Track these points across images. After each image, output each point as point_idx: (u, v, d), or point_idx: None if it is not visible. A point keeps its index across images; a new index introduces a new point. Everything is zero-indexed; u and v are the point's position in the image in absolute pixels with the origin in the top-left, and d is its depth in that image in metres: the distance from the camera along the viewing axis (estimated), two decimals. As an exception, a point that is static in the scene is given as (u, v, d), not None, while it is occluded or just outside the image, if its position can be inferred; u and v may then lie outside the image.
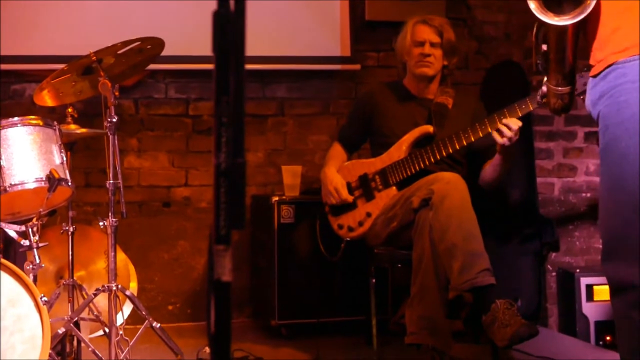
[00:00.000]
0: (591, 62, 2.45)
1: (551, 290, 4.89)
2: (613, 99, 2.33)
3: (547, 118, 5.00)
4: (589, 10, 2.28)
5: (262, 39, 4.85)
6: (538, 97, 2.65)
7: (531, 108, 3.62)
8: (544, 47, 2.48)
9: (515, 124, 3.60)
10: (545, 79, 2.59)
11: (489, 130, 3.66)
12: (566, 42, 2.42)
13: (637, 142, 2.25)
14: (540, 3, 2.33)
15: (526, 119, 3.73)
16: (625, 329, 2.39)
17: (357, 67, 5.19)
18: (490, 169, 3.85)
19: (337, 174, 4.08)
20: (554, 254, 4.92)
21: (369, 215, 3.95)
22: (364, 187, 4.01)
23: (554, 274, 4.90)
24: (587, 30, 2.45)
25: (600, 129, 2.39)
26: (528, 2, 2.35)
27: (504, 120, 3.61)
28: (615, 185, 2.33)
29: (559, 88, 2.54)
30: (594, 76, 2.42)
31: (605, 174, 2.41)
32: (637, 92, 2.27)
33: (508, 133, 3.59)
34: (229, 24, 1.20)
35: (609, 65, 2.36)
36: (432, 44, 3.99)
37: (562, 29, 2.36)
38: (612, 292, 2.41)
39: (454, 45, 4.04)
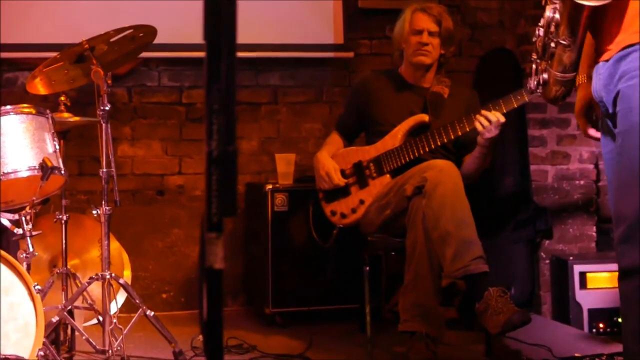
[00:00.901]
0: (606, 47, 2.43)
1: (544, 278, 4.90)
2: (638, 79, 2.28)
3: (541, 106, 5.00)
4: None
5: (255, 27, 4.84)
6: (533, 85, 2.62)
7: (526, 99, 3.63)
8: (552, 29, 2.44)
9: (495, 117, 3.62)
10: (535, 67, 2.56)
11: (478, 114, 3.67)
12: (579, 24, 2.40)
13: None
14: None
15: (520, 107, 3.73)
16: (632, 310, 2.37)
17: (351, 54, 5.19)
18: (470, 161, 3.86)
19: (330, 159, 4.08)
20: (547, 242, 4.92)
21: (362, 202, 3.96)
22: (358, 174, 4.01)
23: (547, 261, 4.91)
24: (603, 15, 2.42)
25: (622, 110, 2.34)
26: None
27: (484, 112, 3.63)
28: (637, 170, 2.28)
29: (565, 74, 2.50)
30: (607, 60, 2.40)
31: (627, 155, 2.35)
32: None
33: (486, 124, 3.61)
34: (220, 11, 1.19)
35: (628, 46, 2.33)
36: (430, 33, 3.97)
37: (580, 9, 2.32)
38: (622, 276, 2.38)
39: (451, 34, 4.03)
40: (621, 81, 2.34)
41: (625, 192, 2.37)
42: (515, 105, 3.66)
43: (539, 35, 2.50)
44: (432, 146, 3.83)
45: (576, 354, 3.17)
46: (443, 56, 4.06)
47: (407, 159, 3.87)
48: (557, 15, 2.38)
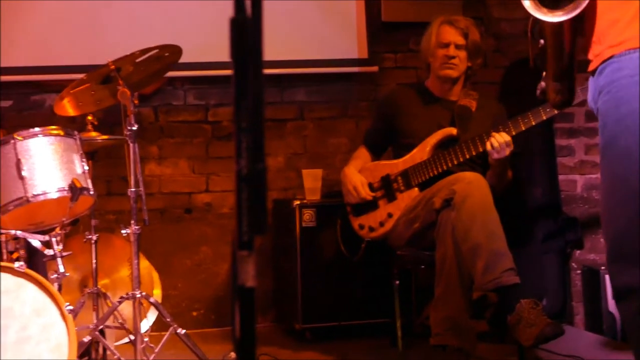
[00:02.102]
0: (589, 56, 2.42)
1: (576, 288, 4.87)
2: (611, 95, 2.27)
3: (568, 115, 4.98)
4: (582, 7, 2.23)
5: (279, 43, 4.85)
6: (537, 93, 2.62)
7: (556, 111, 3.62)
8: (541, 42, 2.44)
9: (501, 138, 3.63)
10: (544, 74, 2.56)
11: (513, 134, 3.67)
12: (562, 37, 2.39)
13: (638, 140, 2.17)
14: (534, 0, 2.30)
15: (547, 119, 3.71)
16: (636, 334, 2.33)
17: (375, 69, 5.19)
18: (487, 179, 3.84)
19: (357, 173, 4.09)
20: (578, 252, 4.89)
21: (390, 215, 3.95)
22: (386, 187, 4.01)
23: (578, 271, 4.88)
24: (585, 25, 2.42)
25: (600, 126, 2.33)
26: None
27: (493, 136, 3.65)
28: (617, 184, 2.25)
29: (557, 83, 2.50)
30: (592, 72, 2.39)
31: (606, 173, 2.34)
32: (635, 87, 2.20)
33: (494, 144, 3.63)
34: (246, 30, 1.20)
35: (605, 60, 2.31)
36: (457, 46, 3.97)
37: (559, 25, 2.33)
38: (617, 298, 2.35)
39: (478, 46, 4.03)
40: (600, 96, 2.33)
41: (608, 211, 2.33)
42: (544, 118, 3.65)
43: (529, 47, 2.51)
44: (461, 159, 3.81)
45: (610, 365, 3.15)
46: (470, 69, 4.06)
47: (435, 172, 3.86)
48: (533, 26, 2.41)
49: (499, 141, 3.63)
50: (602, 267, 4.62)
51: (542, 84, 2.54)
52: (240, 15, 1.19)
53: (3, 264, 3.06)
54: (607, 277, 4.50)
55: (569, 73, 2.50)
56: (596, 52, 2.37)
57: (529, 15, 2.33)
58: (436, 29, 4.01)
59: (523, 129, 3.69)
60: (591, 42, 2.40)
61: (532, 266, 4.56)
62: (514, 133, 3.68)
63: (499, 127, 3.70)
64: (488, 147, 3.66)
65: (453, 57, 3.97)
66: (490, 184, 3.78)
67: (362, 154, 4.23)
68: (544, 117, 3.64)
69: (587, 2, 2.23)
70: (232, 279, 1.21)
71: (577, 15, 2.28)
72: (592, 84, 2.40)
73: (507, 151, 3.65)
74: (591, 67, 2.40)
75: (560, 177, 4.95)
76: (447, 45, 3.97)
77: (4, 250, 3.32)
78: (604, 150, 2.33)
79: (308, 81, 5.17)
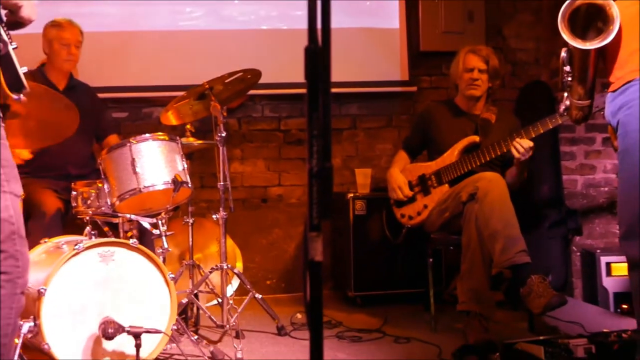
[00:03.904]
0: (611, 79, 2.40)
1: (576, 267, 4.79)
2: (632, 110, 2.29)
3: (571, 126, 4.90)
4: (612, 37, 2.25)
5: (337, 67, 4.83)
6: (561, 110, 2.59)
7: (560, 121, 3.57)
8: (567, 68, 2.45)
9: (526, 144, 3.57)
10: (565, 94, 2.54)
11: (513, 141, 3.62)
12: (588, 63, 2.38)
13: None
14: (570, 32, 2.31)
15: (552, 128, 3.66)
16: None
17: (414, 89, 5.16)
18: (508, 176, 3.79)
19: (401, 174, 4.07)
20: (577, 238, 4.82)
21: (425, 207, 3.93)
22: (422, 184, 3.98)
23: (578, 254, 4.80)
24: (607, 53, 2.40)
25: (620, 134, 2.35)
26: (561, 31, 2.33)
27: (516, 140, 3.58)
28: (635, 183, 2.28)
29: (580, 102, 2.49)
30: (614, 91, 2.37)
31: (625, 173, 2.36)
32: None
33: (520, 149, 3.56)
34: (317, 55, 1.20)
35: (628, 82, 2.31)
36: (480, 70, 3.93)
37: (587, 52, 2.32)
38: (630, 267, 2.36)
39: (497, 70, 3.97)
40: (621, 110, 2.34)
41: (625, 201, 2.37)
42: (550, 127, 3.60)
43: (560, 71, 2.51)
44: (482, 161, 3.78)
45: (604, 330, 3.08)
46: (491, 88, 4.01)
47: (462, 171, 3.83)
48: (566, 55, 2.41)
49: (524, 146, 3.57)
50: (598, 250, 4.55)
51: (567, 102, 2.53)
52: (312, 44, 1.19)
53: (120, 240, 3.11)
54: (601, 258, 4.44)
55: (591, 94, 2.50)
56: (618, 76, 2.36)
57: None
58: (463, 56, 3.97)
59: (533, 135, 3.63)
60: (613, 68, 2.39)
61: (541, 248, 4.50)
62: (533, 135, 3.63)
63: (521, 133, 3.64)
64: (514, 152, 3.60)
65: (476, 80, 3.93)
66: (511, 181, 3.73)
67: (402, 157, 4.21)
68: (550, 126, 3.60)
69: (615, 33, 2.24)
70: (304, 254, 1.22)
71: (602, 46, 2.29)
72: (612, 102, 2.39)
73: (530, 153, 3.60)
74: (612, 88, 2.39)
75: (564, 177, 4.87)
76: (471, 70, 3.93)
77: (121, 230, 3.38)
78: (624, 153, 2.35)
79: (360, 98, 5.16)
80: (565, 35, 2.32)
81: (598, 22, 2.31)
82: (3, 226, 1.93)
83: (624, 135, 2.32)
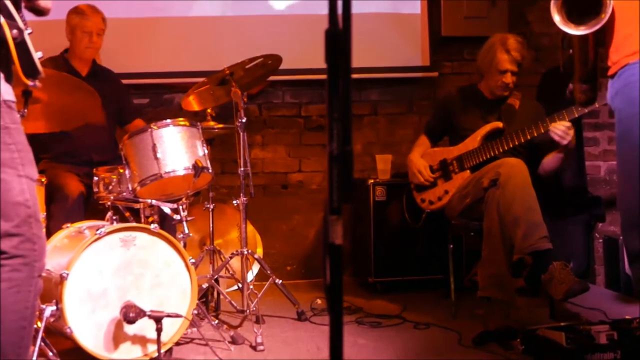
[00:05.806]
0: (608, 63, 2.39)
1: (598, 254, 4.76)
2: (626, 95, 2.28)
3: (594, 112, 4.84)
4: (603, 23, 2.25)
5: (358, 52, 4.81)
6: (567, 93, 2.59)
7: (587, 110, 3.51)
8: (570, 51, 2.44)
9: (563, 125, 3.51)
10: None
11: (549, 128, 3.57)
12: (587, 47, 2.37)
13: None
14: (564, 17, 2.30)
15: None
16: None
17: (435, 74, 5.13)
18: (551, 160, 3.72)
19: (421, 159, 4.05)
20: (600, 224, 4.78)
21: (446, 192, 3.92)
22: (443, 169, 3.96)
23: (600, 240, 4.77)
24: (605, 37, 2.38)
25: (616, 121, 2.34)
26: (553, 15, 2.32)
27: (553, 125, 3.53)
28: (631, 169, 2.26)
29: (582, 85, 2.48)
30: (611, 76, 2.36)
31: (621, 159, 2.36)
32: None
33: (559, 132, 3.51)
34: (338, 40, 1.20)
35: (623, 67, 2.29)
36: (513, 73, 3.84)
37: (585, 36, 2.32)
38: (630, 260, 2.34)
39: (525, 64, 3.89)
40: (616, 96, 2.33)
41: (623, 190, 2.36)
42: (576, 115, 3.55)
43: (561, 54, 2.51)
44: (506, 147, 3.74)
45: (627, 317, 3.06)
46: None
47: (484, 157, 3.80)
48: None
49: (560, 128, 3.52)
50: (621, 237, 4.51)
51: (571, 86, 2.52)
52: (333, 27, 1.19)
53: (142, 225, 3.13)
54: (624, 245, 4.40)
55: (593, 76, 2.48)
56: (614, 60, 2.34)
57: (561, 30, 2.33)
58: (497, 54, 3.81)
59: (568, 120, 3.56)
60: (610, 52, 2.37)
61: (563, 235, 4.47)
62: (549, 128, 3.57)
63: (554, 117, 3.58)
64: (554, 137, 3.54)
65: (508, 83, 3.85)
66: (550, 167, 3.68)
67: (423, 142, 4.18)
68: (576, 114, 3.54)
69: (606, 19, 2.23)
70: (324, 237, 1.22)
71: (598, 29, 2.27)
72: (610, 87, 2.38)
73: (571, 133, 3.52)
74: (610, 72, 2.38)
75: (587, 163, 4.83)
76: (504, 72, 3.82)
77: (142, 215, 3.40)
78: (620, 141, 2.35)
79: (381, 84, 5.14)
80: (558, 19, 2.30)
81: (595, 7, 2.30)
82: (19, 209, 1.94)
83: (619, 122, 2.32)
